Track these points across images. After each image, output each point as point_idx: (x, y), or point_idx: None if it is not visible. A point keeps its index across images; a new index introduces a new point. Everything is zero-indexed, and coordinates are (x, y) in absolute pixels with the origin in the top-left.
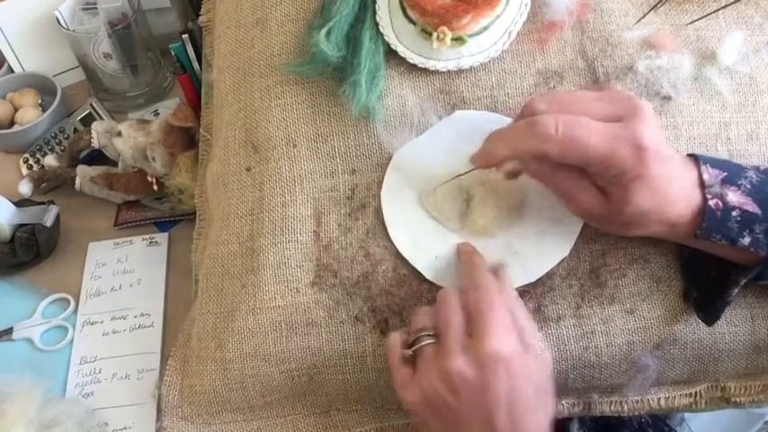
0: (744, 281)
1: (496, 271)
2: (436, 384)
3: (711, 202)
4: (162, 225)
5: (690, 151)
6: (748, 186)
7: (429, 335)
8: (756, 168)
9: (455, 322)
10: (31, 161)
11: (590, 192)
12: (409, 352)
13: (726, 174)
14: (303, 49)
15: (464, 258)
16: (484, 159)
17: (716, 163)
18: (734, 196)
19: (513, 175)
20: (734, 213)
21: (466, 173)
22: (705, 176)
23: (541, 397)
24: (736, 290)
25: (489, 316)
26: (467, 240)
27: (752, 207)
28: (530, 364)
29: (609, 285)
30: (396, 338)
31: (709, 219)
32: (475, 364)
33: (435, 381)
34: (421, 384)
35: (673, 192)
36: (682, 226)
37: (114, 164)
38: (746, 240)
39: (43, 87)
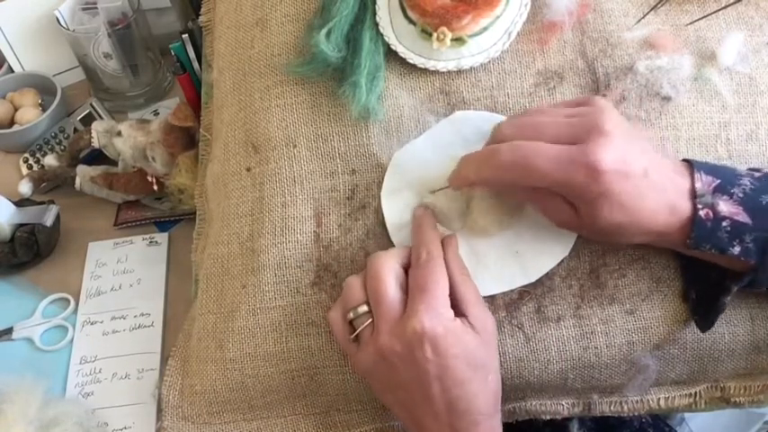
0: (735, 288)
1: (449, 240)
2: (374, 359)
3: (702, 213)
4: (162, 225)
5: (690, 152)
6: (740, 195)
7: (366, 312)
8: (751, 174)
9: (385, 301)
10: (31, 161)
11: (562, 208)
12: (352, 338)
13: (719, 181)
14: (303, 49)
15: (415, 223)
16: (456, 181)
17: (710, 169)
18: (725, 206)
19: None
20: (724, 224)
21: (438, 191)
22: (697, 185)
23: (473, 370)
24: (728, 297)
25: (423, 296)
26: (467, 240)
27: (742, 217)
28: (460, 341)
29: (609, 286)
30: (336, 316)
31: (698, 229)
32: (403, 343)
33: (373, 357)
34: (362, 361)
35: (649, 204)
36: (671, 235)
37: (114, 164)
38: (736, 250)
39: (43, 87)
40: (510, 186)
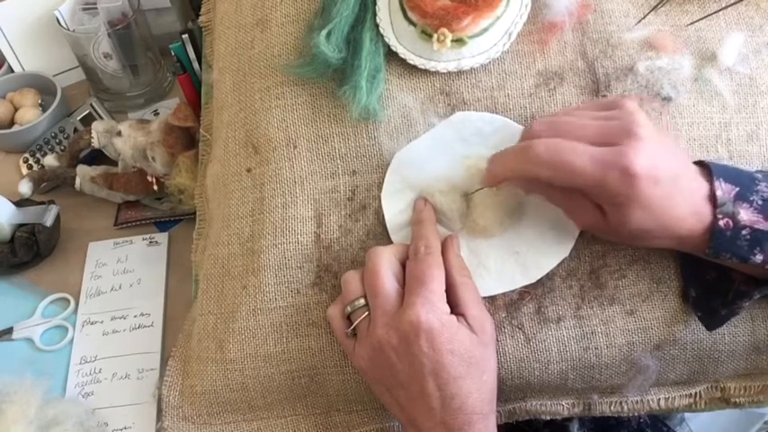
0: (758, 296)
1: (451, 240)
2: (371, 353)
3: (721, 222)
4: (162, 225)
5: (690, 152)
6: (760, 202)
7: (363, 305)
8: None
9: (382, 293)
10: (31, 161)
11: (589, 210)
12: (350, 332)
13: (738, 189)
14: (303, 50)
15: (415, 217)
16: (489, 180)
17: (728, 176)
18: (745, 214)
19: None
20: (744, 232)
21: (474, 192)
22: (718, 193)
23: (467, 367)
24: (748, 302)
25: (421, 288)
26: (467, 240)
27: (763, 225)
28: (456, 336)
29: (609, 286)
30: (335, 312)
31: (717, 238)
32: (399, 335)
33: (370, 350)
34: (360, 355)
35: (676, 210)
36: (692, 239)
37: (114, 164)
38: (759, 258)
39: (43, 87)
40: (538, 184)
